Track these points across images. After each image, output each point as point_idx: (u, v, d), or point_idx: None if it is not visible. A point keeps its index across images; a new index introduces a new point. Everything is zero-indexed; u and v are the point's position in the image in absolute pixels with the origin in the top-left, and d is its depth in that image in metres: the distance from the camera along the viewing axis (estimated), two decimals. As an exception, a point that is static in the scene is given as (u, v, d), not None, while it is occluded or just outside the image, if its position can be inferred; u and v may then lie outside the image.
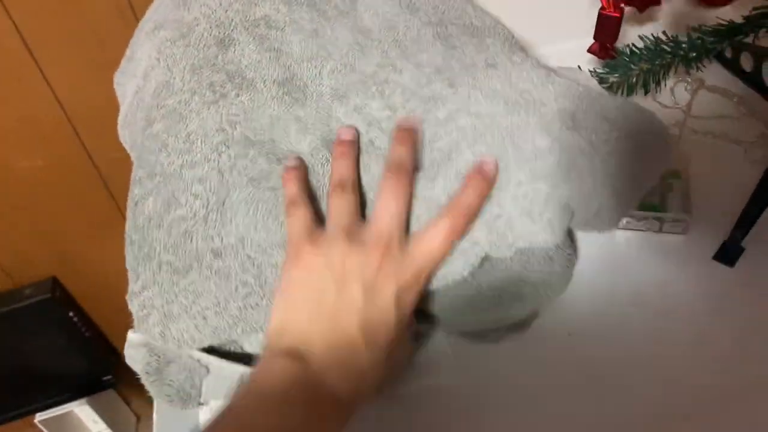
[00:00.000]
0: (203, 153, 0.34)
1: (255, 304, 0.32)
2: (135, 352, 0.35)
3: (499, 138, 0.32)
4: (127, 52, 0.43)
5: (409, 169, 0.31)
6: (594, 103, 0.33)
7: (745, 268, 0.40)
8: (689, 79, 0.50)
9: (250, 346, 0.34)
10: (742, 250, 0.40)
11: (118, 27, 0.75)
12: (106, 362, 1.05)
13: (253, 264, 0.32)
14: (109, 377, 1.07)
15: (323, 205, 0.33)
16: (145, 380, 0.35)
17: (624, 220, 0.43)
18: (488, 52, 0.35)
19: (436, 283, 0.32)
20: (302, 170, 0.33)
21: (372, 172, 0.33)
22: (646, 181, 0.35)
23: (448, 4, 0.38)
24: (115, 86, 0.45)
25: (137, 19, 0.67)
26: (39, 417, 1.06)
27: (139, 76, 0.40)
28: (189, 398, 0.34)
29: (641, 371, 0.36)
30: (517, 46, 0.37)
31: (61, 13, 0.72)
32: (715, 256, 0.41)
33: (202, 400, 0.35)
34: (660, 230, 0.43)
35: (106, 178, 0.90)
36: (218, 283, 0.32)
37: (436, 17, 0.37)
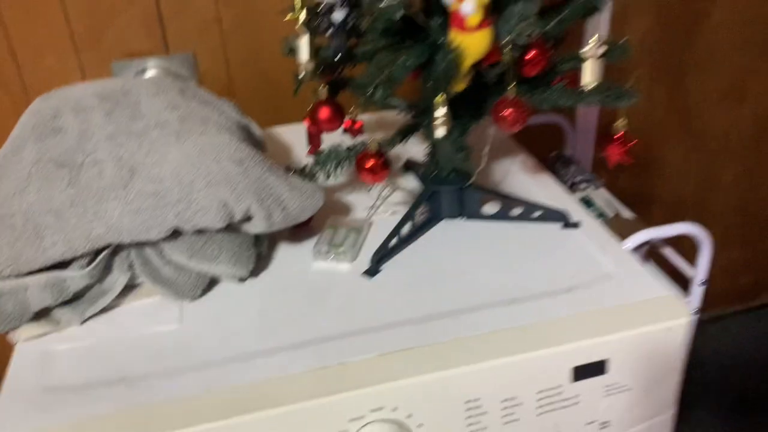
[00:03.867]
0: (26, 163, 0.57)
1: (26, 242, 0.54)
2: None
3: (193, 168, 0.57)
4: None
5: None
6: (263, 163, 0.59)
7: (378, 279, 0.63)
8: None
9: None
10: (379, 270, 0.64)
11: None
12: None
13: (34, 222, 0.54)
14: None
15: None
16: None
17: (317, 254, 0.66)
18: (206, 131, 0.61)
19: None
20: None
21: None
22: (296, 215, 0.59)
23: (201, 112, 0.65)
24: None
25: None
26: None
27: (6, 142, 0.65)
28: (24, 315, 0.54)
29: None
30: (231, 133, 0.63)
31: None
32: (363, 272, 0.64)
33: (32, 313, 0.54)
34: (337, 260, 0.67)
35: None
36: (10, 231, 0.54)
37: (186, 115, 0.63)
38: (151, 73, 1.02)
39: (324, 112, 0.60)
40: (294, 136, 0.88)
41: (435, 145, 0.64)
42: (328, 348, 0.54)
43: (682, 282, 0.77)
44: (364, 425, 0.51)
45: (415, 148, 0.81)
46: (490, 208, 0.71)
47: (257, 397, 0.49)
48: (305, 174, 0.67)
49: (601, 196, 0.90)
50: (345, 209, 0.73)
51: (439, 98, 0.52)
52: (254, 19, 1.02)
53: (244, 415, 0.48)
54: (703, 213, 1.50)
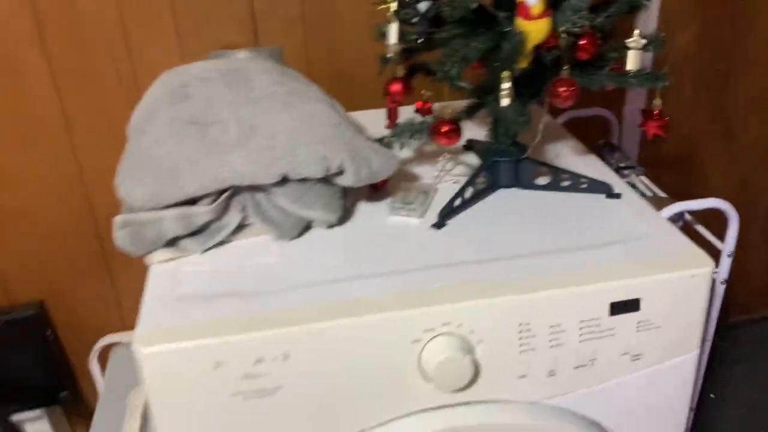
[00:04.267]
0: (163, 121, 0.72)
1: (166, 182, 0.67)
2: (120, 232, 0.69)
3: (299, 122, 0.70)
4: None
5: None
6: (356, 128, 0.72)
7: (444, 231, 0.74)
8: (449, 155, 0.89)
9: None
10: (444, 224, 0.76)
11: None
12: (65, 380, 1.32)
13: (169, 165, 0.68)
14: (65, 393, 1.33)
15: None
16: (129, 247, 0.68)
17: (392, 210, 0.78)
18: (309, 101, 0.75)
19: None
20: None
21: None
22: (378, 172, 0.72)
23: (303, 88, 0.78)
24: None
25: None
26: (-2, 421, 1.29)
27: (140, 104, 0.79)
28: (159, 242, 0.67)
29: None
30: (331, 106, 0.76)
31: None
32: (431, 225, 0.76)
33: (165, 241, 0.68)
34: (408, 215, 0.79)
35: (100, 227, 1.26)
36: (154, 171, 0.68)
37: (291, 91, 0.76)
38: (242, 63, 1.16)
39: (397, 86, 0.72)
40: (366, 119, 1.01)
41: (497, 119, 0.76)
42: (404, 278, 0.66)
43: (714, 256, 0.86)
44: (435, 336, 0.62)
45: (473, 132, 0.92)
46: (542, 180, 0.82)
47: (349, 307, 0.62)
48: (383, 143, 0.79)
49: (643, 182, 1.00)
50: (415, 177, 0.85)
51: (506, 74, 0.64)
52: (333, 20, 1.15)
53: (339, 320, 0.61)
54: (744, 215, 1.57)
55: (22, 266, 1.24)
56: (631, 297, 0.65)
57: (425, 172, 0.86)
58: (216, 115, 0.71)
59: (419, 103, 0.80)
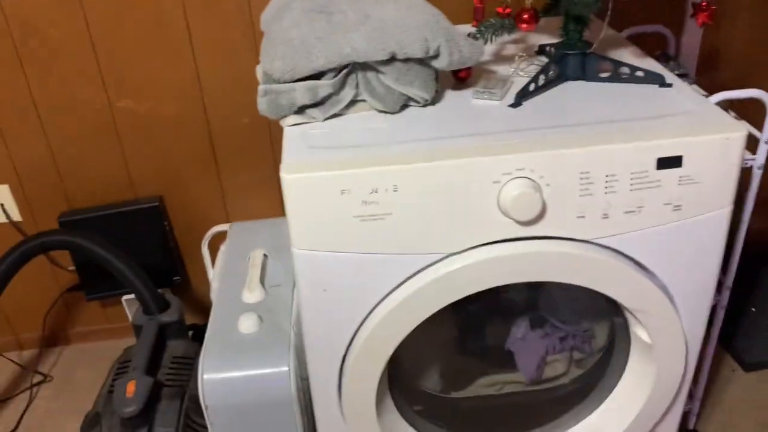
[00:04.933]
0: (295, 11, 0.90)
1: (300, 56, 0.85)
2: (262, 99, 0.88)
3: (405, 11, 0.87)
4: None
5: None
6: (448, 22, 0.89)
7: (520, 109, 0.90)
8: (524, 55, 1.04)
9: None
10: (521, 104, 0.92)
11: (245, 42, 1.35)
12: (178, 266, 1.55)
13: (303, 42, 0.86)
14: (177, 278, 1.56)
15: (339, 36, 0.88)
16: (268, 112, 0.87)
17: (475, 93, 0.95)
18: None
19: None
20: None
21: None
22: (468, 58, 0.88)
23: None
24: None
25: (256, 44, 1.27)
26: (125, 297, 1.54)
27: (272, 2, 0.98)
28: (291, 108, 0.86)
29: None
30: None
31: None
32: (509, 105, 0.93)
33: (296, 107, 0.87)
34: (490, 98, 0.95)
35: (213, 135, 1.47)
36: (291, 47, 0.86)
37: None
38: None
39: None
40: None
41: (567, 15, 0.91)
42: (487, 137, 0.82)
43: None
44: (512, 179, 0.79)
45: (543, 38, 1.07)
46: (605, 75, 0.97)
47: (446, 153, 0.79)
48: (472, 37, 0.95)
49: (695, 89, 1.13)
50: (492, 72, 1.01)
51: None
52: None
53: (437, 161, 0.78)
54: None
55: (146, 165, 1.46)
56: (675, 154, 0.80)
57: (502, 70, 1.02)
58: (338, 6, 0.88)
59: (500, 9, 0.96)
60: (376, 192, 0.78)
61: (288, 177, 0.77)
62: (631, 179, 0.80)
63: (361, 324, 0.86)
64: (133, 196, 1.50)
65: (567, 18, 0.92)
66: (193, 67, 1.36)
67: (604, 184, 0.80)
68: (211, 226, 1.42)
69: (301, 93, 0.86)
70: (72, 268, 1.52)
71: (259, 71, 0.90)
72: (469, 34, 0.94)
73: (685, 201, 0.82)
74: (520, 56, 1.03)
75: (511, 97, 0.91)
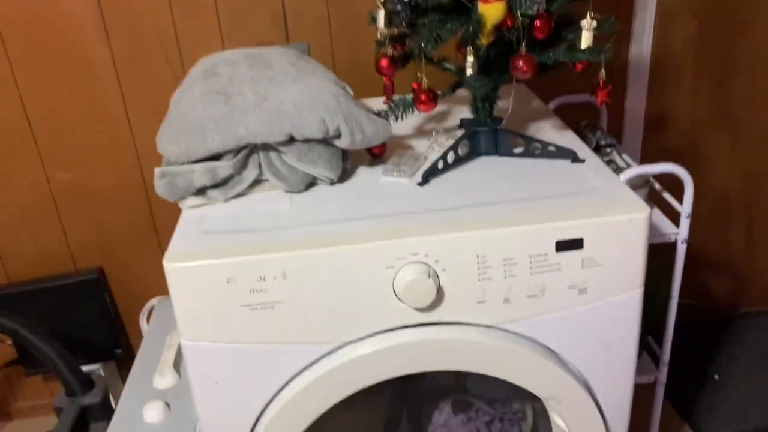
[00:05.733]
0: (196, 93, 0.89)
1: (195, 139, 0.84)
2: (159, 182, 0.86)
3: (305, 93, 0.86)
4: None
5: None
6: (354, 101, 0.88)
7: (427, 187, 0.88)
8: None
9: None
10: (428, 182, 0.90)
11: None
12: (120, 338, 1.51)
13: (198, 126, 0.85)
14: (119, 350, 1.51)
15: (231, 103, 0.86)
16: (166, 194, 0.85)
17: (385, 171, 0.93)
18: (319, 79, 0.90)
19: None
20: None
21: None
22: (371, 138, 0.87)
23: (313, 68, 0.94)
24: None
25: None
26: (62, 371, 1.49)
27: (183, 81, 0.97)
28: (189, 190, 0.84)
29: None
30: (337, 85, 0.92)
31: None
32: (417, 183, 0.91)
33: (195, 189, 0.85)
34: (399, 176, 0.93)
35: (152, 203, 1.45)
36: (186, 130, 0.85)
37: (303, 71, 0.93)
38: (275, 58, 1.33)
39: (385, 61, 0.87)
40: (377, 105, 1.15)
41: (474, 98, 0.90)
42: (384, 220, 0.80)
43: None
44: (405, 264, 0.76)
45: (465, 113, 1.06)
46: (518, 149, 0.95)
47: (336, 238, 0.76)
48: (381, 116, 0.94)
49: (624, 159, 1.12)
50: (410, 148, 1.00)
51: (469, 49, 0.78)
52: (356, 19, 1.32)
53: (327, 248, 0.75)
54: (750, 209, 1.64)
55: (85, 236, 1.44)
56: (575, 236, 0.77)
57: (420, 145, 1.00)
58: (238, 88, 0.87)
59: (415, 84, 0.95)
60: (263, 280, 0.75)
61: (170, 266, 0.74)
62: (531, 263, 0.77)
63: (259, 416, 0.82)
64: (73, 267, 1.47)
65: (474, 97, 0.90)
66: (130, 135, 1.35)
67: (502, 268, 0.77)
68: (154, 295, 1.39)
69: (200, 174, 0.84)
70: (10, 342, 1.48)
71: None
72: (379, 112, 0.93)
73: (590, 284, 0.79)
74: (437, 132, 1.01)
75: (420, 175, 0.89)
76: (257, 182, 0.89)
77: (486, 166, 0.92)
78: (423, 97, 0.83)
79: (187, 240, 0.78)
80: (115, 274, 1.49)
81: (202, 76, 0.91)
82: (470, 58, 0.77)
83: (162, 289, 1.50)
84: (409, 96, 0.92)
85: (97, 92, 1.31)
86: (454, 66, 0.91)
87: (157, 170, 0.85)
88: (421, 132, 1.04)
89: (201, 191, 0.87)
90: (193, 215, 0.85)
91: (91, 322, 1.48)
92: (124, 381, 1.56)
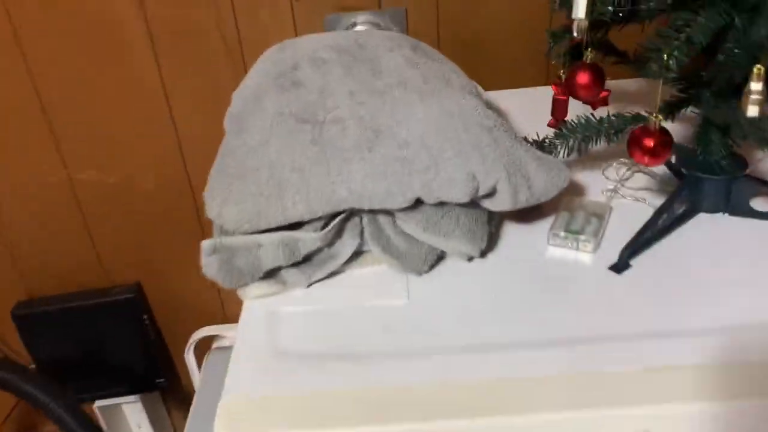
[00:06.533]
0: (265, 117, 0.55)
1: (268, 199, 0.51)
2: (209, 259, 0.54)
3: (437, 132, 0.52)
4: (242, 81, 0.67)
5: None
6: (510, 130, 0.53)
7: (627, 275, 0.55)
8: (625, 161, 0.68)
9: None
10: (629, 265, 0.56)
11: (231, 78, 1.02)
12: (162, 366, 1.24)
13: (275, 177, 0.52)
14: (162, 380, 1.25)
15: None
16: (220, 278, 0.53)
17: (554, 239, 0.59)
18: (452, 91, 0.56)
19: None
20: None
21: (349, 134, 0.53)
22: (541, 194, 0.53)
23: (440, 70, 0.60)
24: (232, 99, 0.68)
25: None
26: (97, 403, 1.24)
27: (243, 86, 0.64)
28: (255, 273, 0.53)
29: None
30: (476, 96, 0.57)
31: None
32: (610, 267, 0.56)
33: (263, 272, 0.53)
34: (576, 248, 0.59)
35: (200, 204, 1.14)
36: (255, 184, 0.52)
37: (427, 75, 0.58)
38: (360, 28, 0.98)
39: (584, 77, 0.52)
40: (504, 103, 0.80)
41: (707, 122, 0.54)
42: (577, 350, 0.47)
43: None
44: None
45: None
46: (761, 204, 0.60)
47: (500, 398, 0.44)
48: (543, 147, 0.59)
49: None
50: (577, 189, 0.65)
51: (758, 69, 0.42)
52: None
53: (487, 418, 0.43)
54: None
55: (119, 245, 1.15)
56: None
57: (593, 182, 0.65)
58: (332, 110, 0.54)
59: (605, 93, 0.59)
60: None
61: (226, 436, 0.43)
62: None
63: None
64: (107, 281, 1.19)
65: (707, 124, 0.54)
66: (171, 125, 1.03)
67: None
68: (203, 318, 1.10)
69: (271, 250, 0.53)
70: (33, 366, 1.23)
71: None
72: (541, 142, 0.58)
73: None
74: (620, 159, 0.66)
75: (610, 242, 0.55)
76: (356, 253, 0.57)
77: (710, 234, 0.57)
78: (651, 142, 0.47)
79: (251, 372, 0.47)
80: (156, 291, 1.21)
81: (275, 83, 0.58)
82: (757, 86, 0.42)
83: (213, 308, 1.22)
84: (594, 117, 0.57)
85: (126, 70, 0.98)
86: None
87: (205, 244, 0.53)
88: (590, 157, 0.69)
89: (272, 272, 0.55)
90: (259, 316, 0.54)
91: (127, 347, 1.21)
92: (171, 414, 1.30)
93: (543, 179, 0.54)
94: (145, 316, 1.19)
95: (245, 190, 0.52)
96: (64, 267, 1.17)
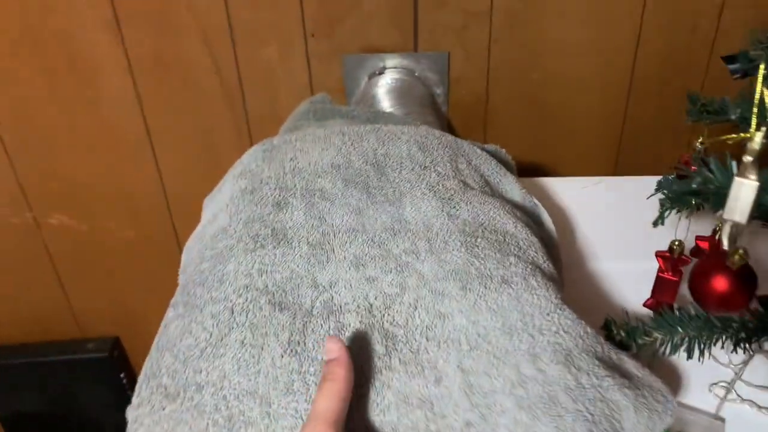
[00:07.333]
0: (227, 292, 0.37)
1: None
2: None
3: (486, 355, 0.33)
4: (219, 183, 0.48)
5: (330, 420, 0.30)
6: (594, 345, 0.33)
7: None
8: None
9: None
10: None
11: (231, 138, 0.83)
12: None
13: (227, 406, 0.33)
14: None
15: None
16: None
17: None
18: (508, 270, 0.36)
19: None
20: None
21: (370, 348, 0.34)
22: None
23: (488, 216, 0.40)
24: (203, 208, 0.50)
25: (250, 136, 0.74)
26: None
27: (212, 213, 0.44)
28: None
29: None
30: (541, 270, 0.38)
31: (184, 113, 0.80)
32: None
33: None
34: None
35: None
36: (194, 416, 0.33)
37: (471, 228, 0.38)
38: (390, 73, 0.78)
39: (722, 283, 0.32)
40: (569, 198, 0.59)
41: None
42: None
43: None
44: None
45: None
46: None
47: None
48: (638, 342, 0.39)
49: None
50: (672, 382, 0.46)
51: None
52: (535, 14, 0.73)
53: None
54: None
55: (94, 297, 0.99)
56: None
57: (696, 375, 0.46)
58: (325, 291, 0.35)
59: (724, 286, 0.39)
60: None
61: None
62: None
63: None
64: (80, 333, 1.03)
65: None
66: (155, 171, 0.85)
67: None
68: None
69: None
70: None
71: None
72: (635, 331, 0.39)
73: None
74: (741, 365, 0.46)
75: None
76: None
77: None
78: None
79: None
80: (136, 348, 1.04)
81: (248, 229, 0.39)
82: None
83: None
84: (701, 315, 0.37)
85: (108, 110, 0.80)
86: None
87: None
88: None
89: None
90: None
91: (102, 406, 1.05)
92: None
93: (635, 423, 0.34)
94: (122, 374, 1.03)
95: (179, 426, 0.33)
96: (33, 315, 1.01)
